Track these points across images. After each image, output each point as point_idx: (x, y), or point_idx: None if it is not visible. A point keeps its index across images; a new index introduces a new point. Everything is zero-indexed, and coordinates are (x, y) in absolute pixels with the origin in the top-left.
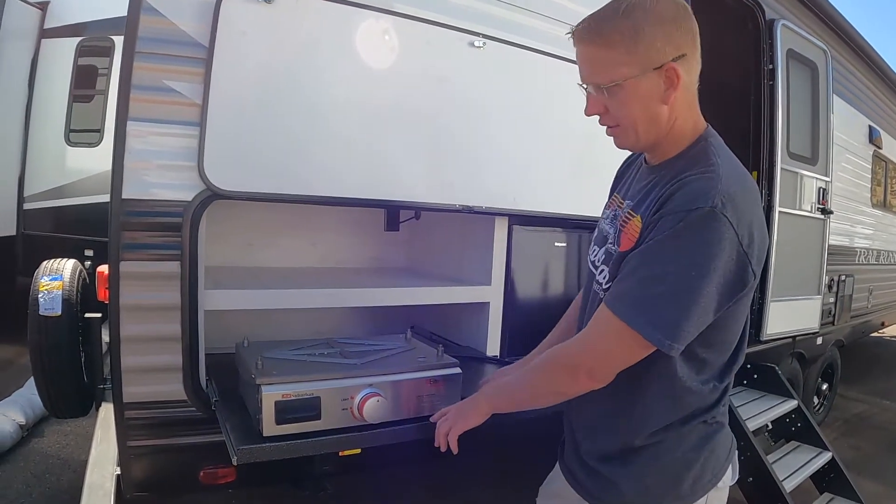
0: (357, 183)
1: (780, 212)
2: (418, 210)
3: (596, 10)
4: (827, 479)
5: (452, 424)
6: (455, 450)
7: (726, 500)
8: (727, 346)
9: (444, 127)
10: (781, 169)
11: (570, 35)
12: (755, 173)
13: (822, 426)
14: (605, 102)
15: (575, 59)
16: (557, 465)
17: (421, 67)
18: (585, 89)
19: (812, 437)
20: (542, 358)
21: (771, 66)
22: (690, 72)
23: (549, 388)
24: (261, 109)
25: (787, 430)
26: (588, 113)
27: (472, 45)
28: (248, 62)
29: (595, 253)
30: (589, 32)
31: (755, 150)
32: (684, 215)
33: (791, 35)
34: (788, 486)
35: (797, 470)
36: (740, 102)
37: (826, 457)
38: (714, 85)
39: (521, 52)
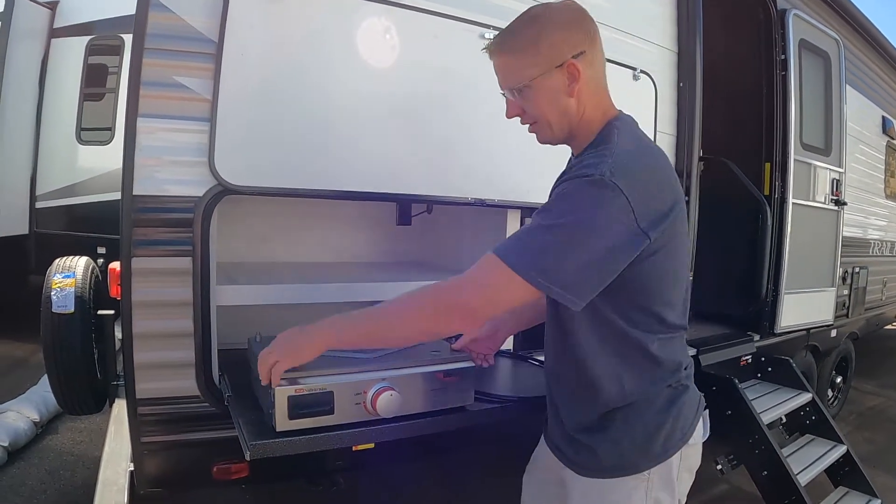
0: (368, 177)
1: (793, 203)
2: (430, 204)
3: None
4: (841, 472)
5: (279, 359)
6: (276, 383)
7: (700, 456)
8: (663, 309)
9: (455, 120)
10: (795, 160)
11: (484, 51)
12: (768, 164)
13: (837, 419)
14: (520, 104)
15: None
16: (541, 442)
17: (431, 60)
18: (504, 96)
19: (827, 430)
20: (414, 295)
21: (783, 57)
22: (591, 65)
23: (418, 326)
24: (271, 104)
25: (802, 424)
26: (508, 116)
27: (482, 37)
28: (258, 56)
29: None
30: (499, 44)
31: (768, 141)
32: (575, 180)
33: (803, 25)
34: (803, 479)
35: (812, 463)
36: (753, 93)
37: (841, 450)
38: (726, 76)
39: None
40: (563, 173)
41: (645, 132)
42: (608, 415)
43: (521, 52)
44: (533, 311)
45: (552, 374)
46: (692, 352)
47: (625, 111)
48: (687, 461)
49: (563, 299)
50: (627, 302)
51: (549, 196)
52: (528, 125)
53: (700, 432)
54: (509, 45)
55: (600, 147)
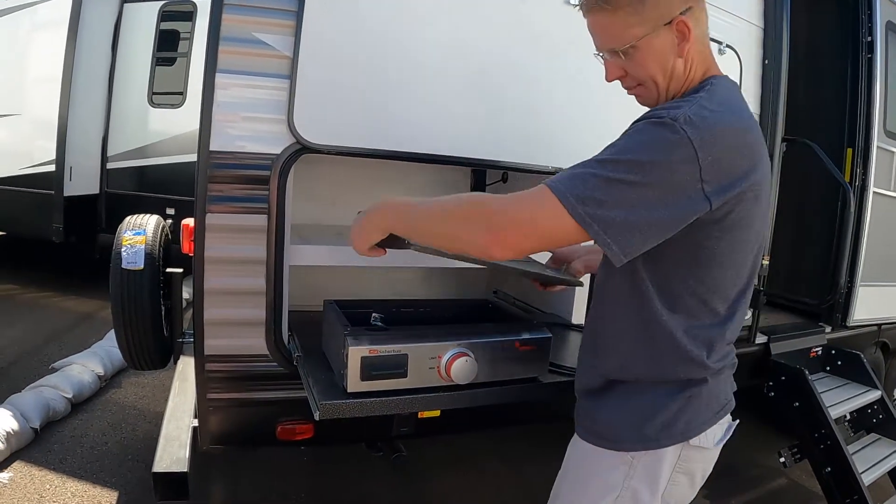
0: (445, 141)
1: (874, 192)
2: (506, 171)
3: None
4: None
5: (356, 248)
6: (370, 254)
7: (710, 464)
8: (708, 294)
9: (536, 86)
10: (878, 147)
11: (578, 7)
12: (850, 150)
13: None
14: (622, 66)
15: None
16: None
17: (516, 24)
18: (602, 57)
19: (893, 430)
20: (461, 198)
21: (869, 39)
22: (699, 23)
23: (451, 230)
24: (351, 63)
25: (868, 422)
26: (609, 79)
27: (567, 2)
28: (339, 14)
29: None
30: (596, 0)
31: (850, 126)
32: (644, 121)
33: (890, 6)
34: (867, 479)
35: (876, 464)
36: (836, 75)
37: None
38: (809, 56)
39: None
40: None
41: (744, 99)
42: (611, 383)
43: (624, 10)
44: None
45: (585, 328)
46: (762, 339)
47: None
48: (687, 464)
49: (603, 243)
50: (668, 272)
51: None
52: (628, 88)
53: (713, 437)
54: (609, 1)
55: (685, 97)
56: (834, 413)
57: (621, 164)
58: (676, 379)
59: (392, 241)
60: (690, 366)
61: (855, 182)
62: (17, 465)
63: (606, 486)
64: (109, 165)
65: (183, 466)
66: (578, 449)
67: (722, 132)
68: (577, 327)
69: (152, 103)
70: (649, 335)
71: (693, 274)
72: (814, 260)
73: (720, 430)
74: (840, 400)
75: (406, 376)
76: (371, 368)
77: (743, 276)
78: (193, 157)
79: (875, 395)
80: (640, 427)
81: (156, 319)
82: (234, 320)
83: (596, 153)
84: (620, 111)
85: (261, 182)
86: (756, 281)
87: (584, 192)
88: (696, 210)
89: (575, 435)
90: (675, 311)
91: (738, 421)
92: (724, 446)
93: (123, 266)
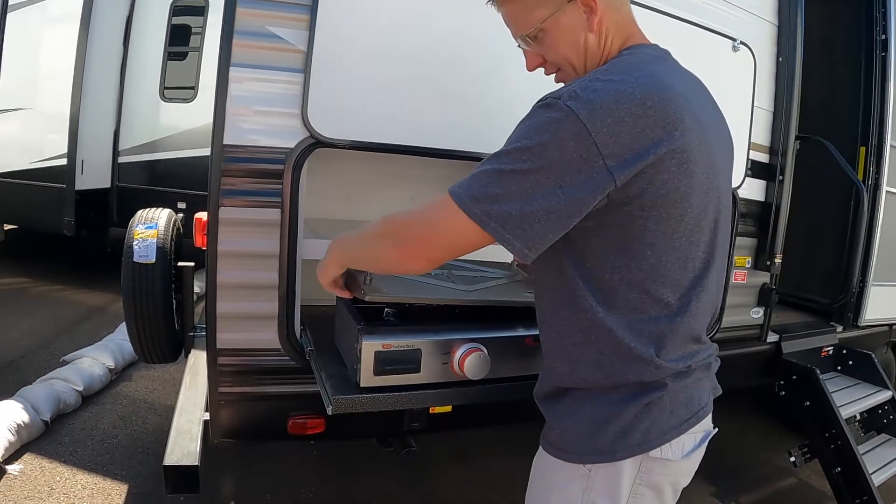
0: (459, 136)
1: (887, 191)
2: None
3: None
4: None
5: (323, 284)
6: (338, 292)
7: (682, 476)
8: (651, 283)
9: (552, 80)
10: (891, 146)
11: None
12: (863, 149)
13: None
14: (538, 52)
15: (677, 14)
16: None
17: None
18: (521, 48)
19: None
20: (378, 220)
21: (884, 37)
22: None
23: (372, 251)
24: (365, 57)
25: (879, 423)
26: (529, 68)
27: None
28: (354, 8)
29: None
30: None
31: (864, 125)
32: (532, 107)
33: None
34: (877, 480)
35: (886, 465)
36: (850, 73)
37: None
38: (822, 53)
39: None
40: None
41: (673, 66)
42: (562, 390)
43: None
44: None
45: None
46: (774, 338)
47: (721, 84)
48: (649, 476)
49: (504, 240)
50: (597, 263)
51: None
52: (553, 75)
53: (681, 448)
54: None
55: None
56: (845, 413)
57: (512, 154)
58: (626, 382)
59: (352, 284)
60: (637, 365)
61: (868, 181)
62: (27, 457)
63: (566, 498)
64: (121, 159)
65: (194, 460)
66: (541, 459)
67: (616, 101)
68: None
69: (164, 98)
70: (587, 335)
71: (624, 261)
72: (826, 259)
73: (691, 440)
74: (851, 400)
75: (419, 371)
76: (384, 363)
77: (695, 259)
78: (205, 152)
79: (886, 395)
80: (593, 437)
81: (167, 313)
82: (246, 314)
83: None
84: None
85: (274, 176)
86: (769, 280)
87: (478, 190)
88: (599, 188)
89: (540, 446)
90: (612, 305)
91: (716, 429)
92: (727, 446)
93: (135, 260)
